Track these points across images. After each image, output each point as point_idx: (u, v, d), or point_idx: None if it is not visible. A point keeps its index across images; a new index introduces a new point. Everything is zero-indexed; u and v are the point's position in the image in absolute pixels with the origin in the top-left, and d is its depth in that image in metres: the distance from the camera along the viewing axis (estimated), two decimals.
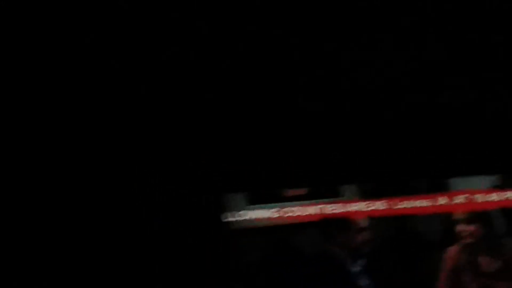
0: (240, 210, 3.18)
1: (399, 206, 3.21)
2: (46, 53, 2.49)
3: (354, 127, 3.09)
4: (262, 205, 3.20)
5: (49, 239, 2.88)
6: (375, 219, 3.13)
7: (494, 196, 3.16)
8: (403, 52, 2.66)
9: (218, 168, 3.04)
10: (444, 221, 3.25)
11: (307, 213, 3.17)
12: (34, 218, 2.89)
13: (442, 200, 3.21)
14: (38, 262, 2.84)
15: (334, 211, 3.13)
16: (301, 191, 3.25)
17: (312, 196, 3.23)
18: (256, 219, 3.17)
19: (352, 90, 2.98)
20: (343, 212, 3.13)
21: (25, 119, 2.87)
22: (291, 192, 3.25)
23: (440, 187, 3.29)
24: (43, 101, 2.80)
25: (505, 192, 3.17)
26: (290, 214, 3.20)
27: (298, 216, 3.18)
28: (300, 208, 3.19)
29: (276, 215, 3.19)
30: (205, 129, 2.97)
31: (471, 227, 3.04)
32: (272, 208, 3.19)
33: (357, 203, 3.17)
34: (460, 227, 3.06)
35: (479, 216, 3.06)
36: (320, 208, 3.16)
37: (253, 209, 3.19)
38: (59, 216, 2.92)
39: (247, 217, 3.17)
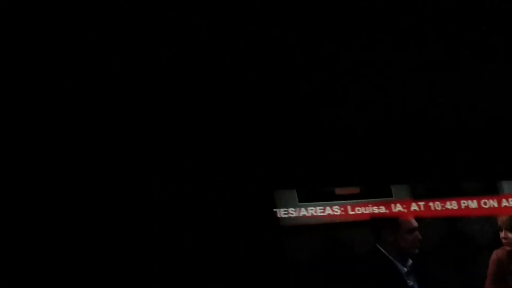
0: (291, 207, 3.19)
1: (449, 208, 3.22)
2: (46, 53, 2.49)
3: (404, 127, 3.11)
4: (313, 203, 3.21)
5: (49, 239, 2.88)
6: (425, 220, 3.14)
7: None
8: (403, 52, 2.65)
9: (270, 165, 3.06)
10: (494, 223, 3.26)
11: (358, 212, 3.19)
12: (34, 218, 2.88)
13: (493, 203, 3.22)
14: (38, 262, 2.84)
15: (384, 211, 3.16)
16: (352, 190, 3.26)
17: (363, 195, 3.25)
18: (307, 217, 3.18)
19: (354, 90, 2.98)
20: (393, 212, 3.15)
21: (25, 119, 2.87)
22: (342, 191, 3.26)
23: (491, 190, 3.30)
24: (43, 101, 2.80)
25: None
26: (340, 212, 3.21)
27: (349, 214, 3.20)
28: (350, 207, 3.21)
29: (326, 213, 3.20)
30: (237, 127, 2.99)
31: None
32: (323, 206, 3.20)
33: (408, 204, 3.19)
34: (504, 234, 3.07)
35: None
36: (371, 207, 3.18)
37: (304, 206, 3.21)
38: (59, 216, 2.92)
39: (298, 214, 3.19)
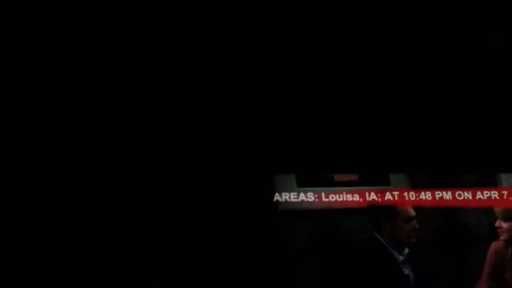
0: (290, 192, 3.18)
1: (447, 198, 3.22)
2: (46, 53, 2.49)
3: (405, 117, 3.10)
4: (312, 188, 3.19)
5: (49, 239, 2.88)
6: (423, 210, 3.14)
7: None
8: (403, 52, 2.66)
9: (269, 149, 3.06)
10: (492, 215, 3.27)
11: (356, 199, 3.18)
12: (34, 218, 2.88)
13: (490, 194, 3.23)
14: (38, 262, 2.84)
15: (382, 199, 3.15)
16: (351, 177, 3.25)
17: (362, 182, 3.23)
18: (305, 202, 3.17)
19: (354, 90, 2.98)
20: (391, 200, 3.15)
21: (25, 119, 2.87)
22: (341, 177, 3.24)
23: (489, 181, 3.30)
24: (43, 101, 2.80)
25: None
26: (338, 199, 3.19)
27: (347, 201, 3.18)
28: (349, 193, 3.19)
29: (324, 199, 3.18)
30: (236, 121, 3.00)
31: (508, 224, 3.08)
32: (321, 191, 3.19)
33: (406, 193, 3.18)
34: (498, 223, 3.10)
35: None
36: (369, 195, 3.17)
37: (303, 191, 3.19)
38: (59, 216, 2.92)
39: (296, 199, 3.17)
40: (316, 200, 3.16)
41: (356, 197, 3.17)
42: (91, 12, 2.25)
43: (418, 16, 2.41)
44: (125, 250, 2.95)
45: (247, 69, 2.74)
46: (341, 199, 3.17)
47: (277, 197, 3.12)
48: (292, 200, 3.15)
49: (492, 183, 3.29)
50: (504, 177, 3.30)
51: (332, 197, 3.17)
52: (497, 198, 3.24)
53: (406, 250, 2.95)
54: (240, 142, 3.12)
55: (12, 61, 2.52)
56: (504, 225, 3.13)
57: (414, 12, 2.38)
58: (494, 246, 3.12)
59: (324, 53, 2.65)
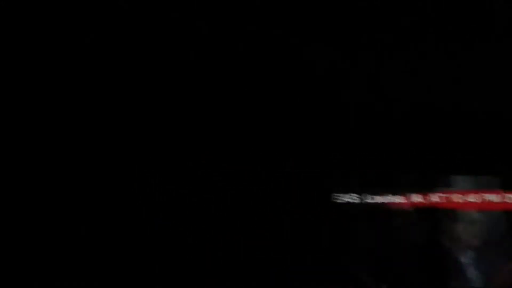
0: (351, 192, 3.16)
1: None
2: (46, 53, 2.49)
3: (468, 119, 3.08)
4: (374, 189, 3.18)
5: (49, 239, 2.88)
6: (488, 213, 3.11)
7: None
8: (403, 52, 2.66)
9: (330, 151, 3.04)
10: None
11: (420, 201, 3.16)
12: (34, 218, 2.89)
13: None
14: (38, 262, 2.84)
15: (447, 202, 3.13)
16: (414, 178, 3.23)
17: (424, 184, 3.21)
18: (367, 203, 3.15)
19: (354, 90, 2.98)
20: (455, 203, 3.12)
21: (25, 119, 2.87)
22: (402, 179, 3.22)
23: None
24: (43, 101, 2.80)
25: None
26: (400, 200, 3.17)
27: (409, 203, 3.17)
28: (411, 195, 3.17)
29: (386, 200, 3.16)
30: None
31: None
32: (383, 193, 3.17)
33: (471, 195, 3.15)
34: None
35: None
36: (433, 197, 3.15)
37: (365, 192, 3.17)
38: (60, 216, 2.92)
39: (358, 200, 3.16)
40: (378, 201, 3.15)
41: (419, 199, 3.15)
42: (91, 12, 2.25)
43: (418, 16, 2.41)
44: (125, 250, 2.95)
45: (247, 69, 2.74)
46: (403, 200, 3.16)
47: (337, 197, 3.11)
48: (353, 200, 3.14)
49: None
50: None
51: (394, 199, 3.15)
52: None
53: (470, 253, 2.92)
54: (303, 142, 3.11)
55: (12, 61, 2.52)
56: None
57: (414, 12, 2.38)
58: None
59: (325, 53, 2.65)
